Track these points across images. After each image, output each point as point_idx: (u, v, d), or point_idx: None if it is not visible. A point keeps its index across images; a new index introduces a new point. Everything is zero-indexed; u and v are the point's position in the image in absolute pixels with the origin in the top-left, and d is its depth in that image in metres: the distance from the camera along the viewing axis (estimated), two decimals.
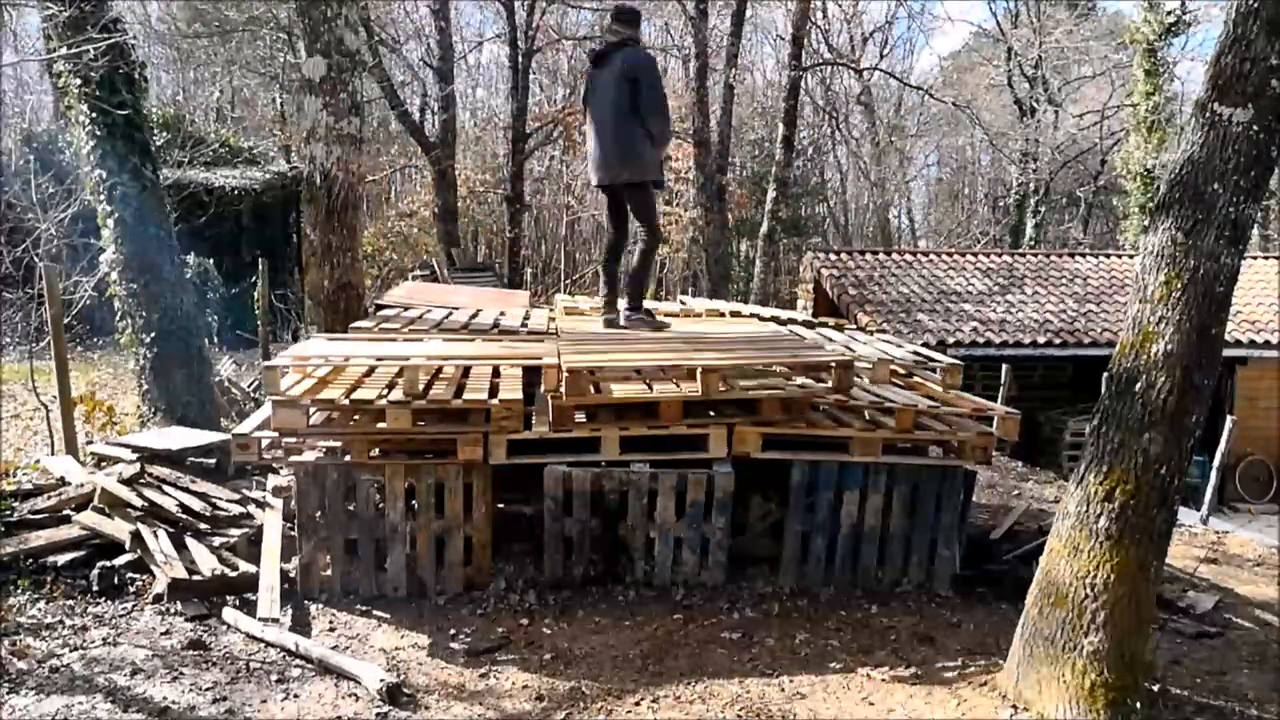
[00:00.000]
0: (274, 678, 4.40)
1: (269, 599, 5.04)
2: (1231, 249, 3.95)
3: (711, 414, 5.48)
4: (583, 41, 26.65)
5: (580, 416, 5.47)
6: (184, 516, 5.79)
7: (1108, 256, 17.24)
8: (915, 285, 14.95)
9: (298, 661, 4.55)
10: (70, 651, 4.55)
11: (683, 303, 9.82)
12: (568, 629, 5.00)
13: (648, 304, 7.31)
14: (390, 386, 5.32)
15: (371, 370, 5.66)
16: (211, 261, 14.71)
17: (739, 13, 20.18)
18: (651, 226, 6.62)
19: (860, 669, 4.68)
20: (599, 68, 6.31)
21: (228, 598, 5.21)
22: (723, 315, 7.98)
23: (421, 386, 5.21)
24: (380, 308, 7.76)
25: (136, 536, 5.42)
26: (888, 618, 5.28)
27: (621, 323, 6.52)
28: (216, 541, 5.69)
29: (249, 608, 5.10)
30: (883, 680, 4.58)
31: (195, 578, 5.17)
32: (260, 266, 11.81)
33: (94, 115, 8.37)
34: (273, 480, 6.31)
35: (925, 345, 10.22)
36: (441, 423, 5.26)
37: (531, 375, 5.63)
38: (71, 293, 10.33)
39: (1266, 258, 16.52)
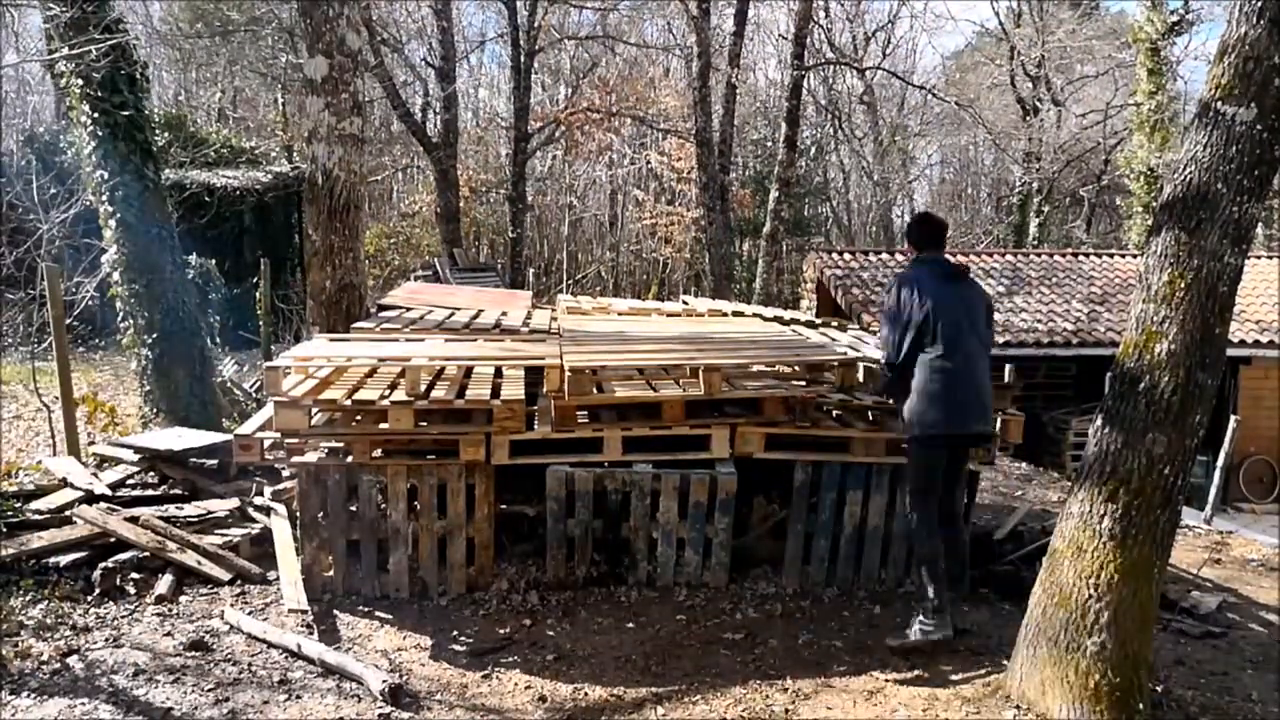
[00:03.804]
0: (276, 679, 4.40)
1: (295, 593, 5.07)
2: (1235, 248, 3.94)
3: (715, 414, 5.48)
4: (584, 41, 26.70)
5: (583, 416, 5.47)
6: (191, 542, 5.79)
7: (1112, 256, 17.22)
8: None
9: (300, 663, 4.55)
10: (72, 653, 4.54)
11: (685, 303, 9.82)
12: (570, 630, 4.99)
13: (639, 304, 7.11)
14: (392, 387, 5.31)
15: (373, 371, 5.66)
16: (213, 262, 14.72)
17: (741, 12, 20.16)
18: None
19: (864, 670, 4.68)
20: (953, 283, 5.03)
21: (229, 599, 5.22)
22: (725, 315, 7.98)
23: (423, 387, 5.20)
24: (382, 308, 7.76)
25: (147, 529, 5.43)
26: (891, 618, 5.27)
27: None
28: (219, 541, 5.70)
29: (251, 608, 5.10)
30: (886, 681, 4.57)
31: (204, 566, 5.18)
32: (262, 267, 11.81)
33: (96, 116, 8.39)
34: (269, 490, 6.33)
35: None
36: (444, 423, 5.25)
37: (534, 375, 5.62)
38: (73, 293, 10.35)
39: (1270, 257, 16.50)
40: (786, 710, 4.29)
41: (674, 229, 25.73)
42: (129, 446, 6.97)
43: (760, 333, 6.84)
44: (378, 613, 5.12)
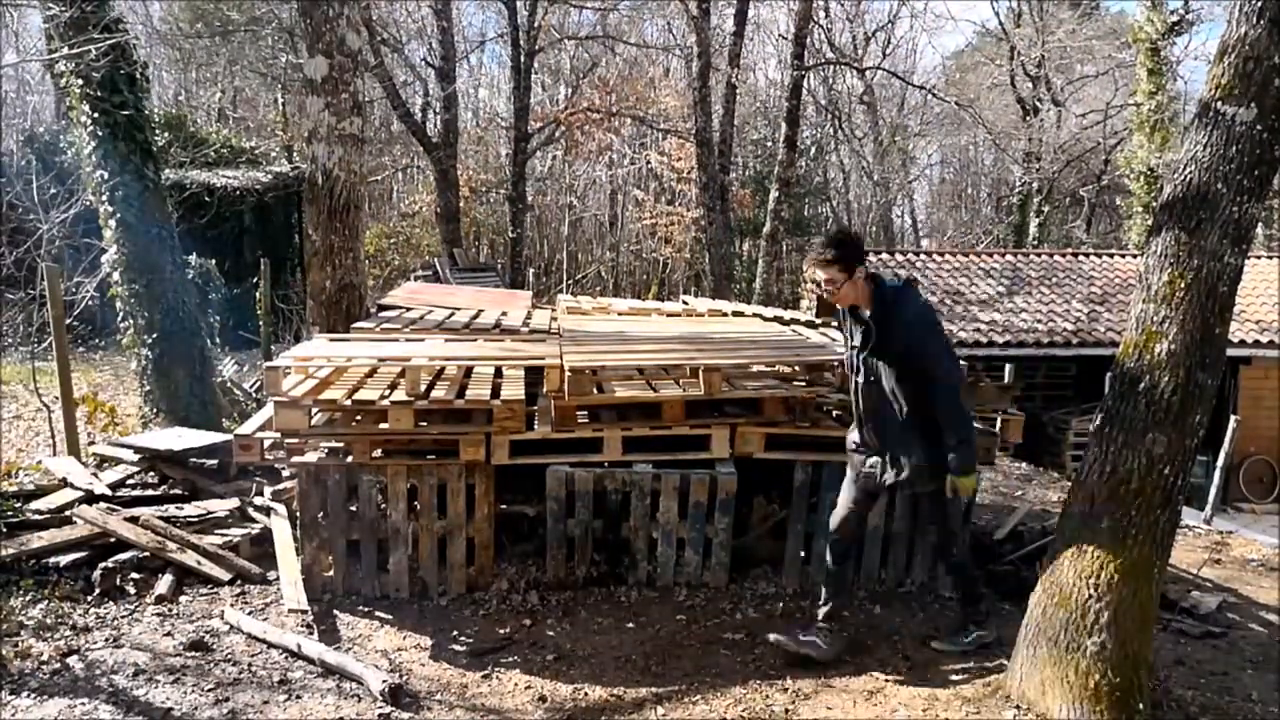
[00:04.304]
0: (276, 679, 4.39)
1: (295, 593, 5.08)
2: (1235, 249, 3.94)
3: (715, 414, 5.48)
4: (584, 41, 26.71)
5: (583, 417, 5.46)
6: (191, 542, 5.79)
7: (1112, 256, 17.23)
8: (919, 286, 14.94)
9: (300, 663, 4.55)
10: (72, 653, 4.54)
11: (685, 302, 9.82)
12: (570, 630, 4.99)
13: (644, 304, 7.03)
14: (392, 387, 5.31)
15: (373, 371, 5.66)
16: (213, 262, 14.74)
17: (741, 12, 20.17)
18: None
19: (864, 670, 4.67)
20: None
21: (229, 599, 5.22)
22: (725, 315, 7.98)
23: (423, 387, 5.20)
24: (382, 308, 7.76)
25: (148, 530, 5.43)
26: (891, 618, 5.28)
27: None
28: (219, 541, 5.70)
29: (251, 608, 5.10)
30: (886, 681, 4.57)
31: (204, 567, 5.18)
32: (262, 267, 11.82)
33: (96, 116, 8.38)
34: (269, 490, 6.32)
35: None
36: (444, 423, 5.25)
37: (534, 375, 5.62)
38: (73, 293, 10.36)
39: (1270, 257, 16.50)
40: (786, 710, 4.29)
41: (674, 229, 25.73)
42: (129, 446, 6.97)
43: (760, 333, 6.84)
44: (378, 613, 5.13)
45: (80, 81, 8.35)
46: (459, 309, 7.76)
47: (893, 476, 4.57)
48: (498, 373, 5.70)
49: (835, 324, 7.94)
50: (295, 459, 5.21)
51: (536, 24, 22.95)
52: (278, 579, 5.40)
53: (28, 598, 5.02)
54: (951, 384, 4.41)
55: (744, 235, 26.66)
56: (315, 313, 7.86)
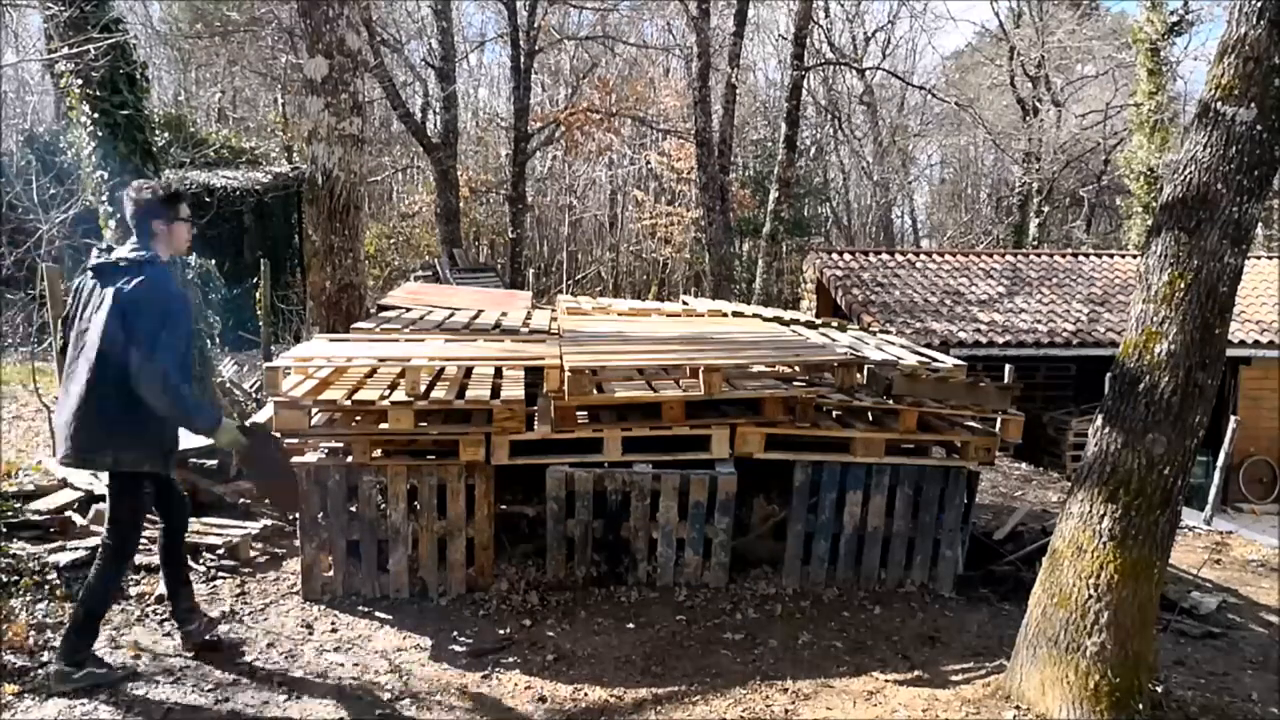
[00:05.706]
0: (277, 679, 4.39)
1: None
2: (1235, 249, 3.95)
3: (715, 414, 5.47)
4: (584, 41, 26.72)
5: (582, 417, 5.47)
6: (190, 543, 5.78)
7: (1112, 256, 17.23)
8: (919, 287, 14.94)
9: (300, 662, 4.55)
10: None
11: (685, 303, 9.82)
12: (570, 630, 4.99)
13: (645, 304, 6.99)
14: (392, 387, 5.31)
15: (373, 371, 5.66)
16: (213, 262, 14.67)
17: (741, 12, 20.16)
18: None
19: (864, 670, 4.68)
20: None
21: (229, 599, 5.22)
22: (725, 315, 7.98)
23: (423, 387, 5.20)
24: (382, 308, 7.76)
25: None
26: (891, 619, 5.28)
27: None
28: (219, 541, 5.70)
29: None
30: (886, 681, 4.57)
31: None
32: (262, 267, 11.80)
33: (95, 116, 8.37)
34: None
35: (929, 346, 10.22)
36: (444, 423, 5.25)
37: (534, 375, 5.63)
38: None
39: (1270, 258, 16.50)
40: (786, 710, 4.29)
41: (674, 229, 25.75)
42: None
43: (760, 333, 6.84)
44: (378, 613, 5.12)
45: (80, 81, 8.34)
46: (459, 309, 7.76)
47: None
48: (498, 373, 5.70)
49: (835, 324, 7.94)
50: (295, 459, 5.21)
51: (536, 24, 22.95)
52: (277, 579, 5.39)
53: (28, 598, 5.01)
54: None
55: (744, 235, 26.66)
56: (315, 313, 7.86)
